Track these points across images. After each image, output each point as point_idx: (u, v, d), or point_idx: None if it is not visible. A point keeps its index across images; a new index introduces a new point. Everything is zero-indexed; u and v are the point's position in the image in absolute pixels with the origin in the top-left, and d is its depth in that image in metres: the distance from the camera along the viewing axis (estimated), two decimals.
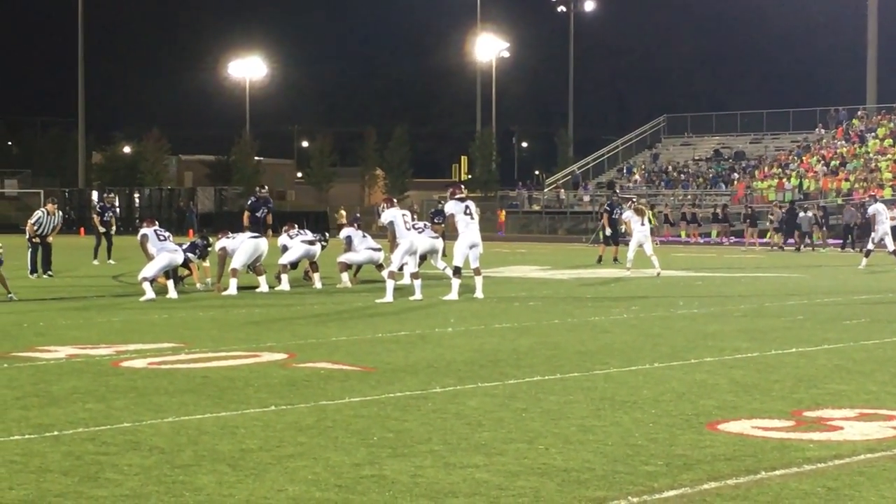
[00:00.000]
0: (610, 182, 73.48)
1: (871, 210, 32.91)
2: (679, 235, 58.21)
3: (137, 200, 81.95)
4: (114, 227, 34.96)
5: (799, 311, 17.80)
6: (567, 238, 63.29)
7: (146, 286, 19.94)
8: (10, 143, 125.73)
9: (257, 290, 21.70)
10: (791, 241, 48.78)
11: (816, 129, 72.72)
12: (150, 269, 20.29)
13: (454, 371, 11.10)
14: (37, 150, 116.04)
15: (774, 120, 77.61)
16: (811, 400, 9.47)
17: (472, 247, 20.42)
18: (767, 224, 52.17)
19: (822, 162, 66.63)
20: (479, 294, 20.23)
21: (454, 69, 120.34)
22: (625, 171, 76.95)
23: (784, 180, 65.34)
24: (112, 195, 39.21)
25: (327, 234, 26.16)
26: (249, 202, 26.96)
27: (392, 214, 20.89)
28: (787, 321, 16.13)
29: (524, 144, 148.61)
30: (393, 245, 20.89)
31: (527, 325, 15.65)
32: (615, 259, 33.19)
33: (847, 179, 62.81)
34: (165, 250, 20.57)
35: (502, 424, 8.41)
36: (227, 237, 22.24)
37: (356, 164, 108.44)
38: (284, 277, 22.58)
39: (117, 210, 36.44)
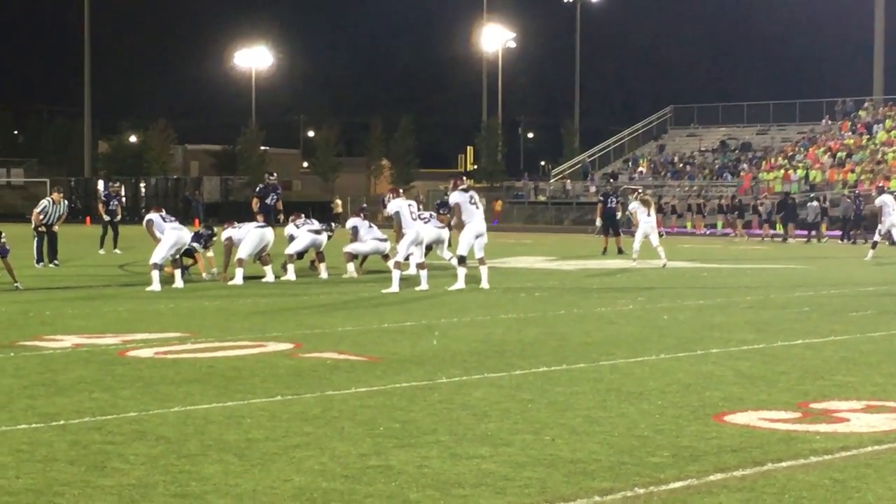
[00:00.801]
0: (612, 173, 73.41)
1: (877, 202, 32.82)
2: (685, 227, 58.21)
3: (143, 190, 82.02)
4: (119, 216, 34.88)
5: (805, 302, 17.77)
6: (573, 229, 63.25)
7: (154, 274, 19.93)
8: (16, 132, 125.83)
9: (263, 279, 21.71)
10: (786, 233, 48.71)
11: (823, 121, 72.60)
12: (159, 252, 20.28)
13: (460, 361, 11.09)
14: (43, 139, 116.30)
15: (781, 111, 77.50)
16: (818, 392, 9.46)
17: (477, 236, 20.42)
18: (757, 215, 52.35)
19: (829, 153, 66.53)
20: (484, 284, 20.22)
21: (460, 60, 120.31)
22: (631, 162, 76.87)
23: (790, 172, 65.25)
24: (118, 184, 39.10)
25: (333, 224, 26.15)
26: (258, 189, 26.99)
27: (397, 205, 20.91)
28: (793, 313, 16.10)
29: (530, 135, 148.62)
30: (398, 235, 20.91)
31: (533, 316, 15.64)
32: (620, 250, 33.12)
33: (853, 171, 62.72)
34: (171, 229, 20.55)
35: (508, 415, 8.41)
36: (234, 227, 22.23)
37: (362, 154, 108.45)
38: (290, 267, 22.57)
39: (123, 199, 36.26)
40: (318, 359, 11.29)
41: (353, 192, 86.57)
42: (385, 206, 22.98)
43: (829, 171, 63.75)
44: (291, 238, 23.27)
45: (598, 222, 35.50)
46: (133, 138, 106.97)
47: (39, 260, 26.79)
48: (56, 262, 27.02)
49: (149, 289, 19.70)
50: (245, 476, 6.60)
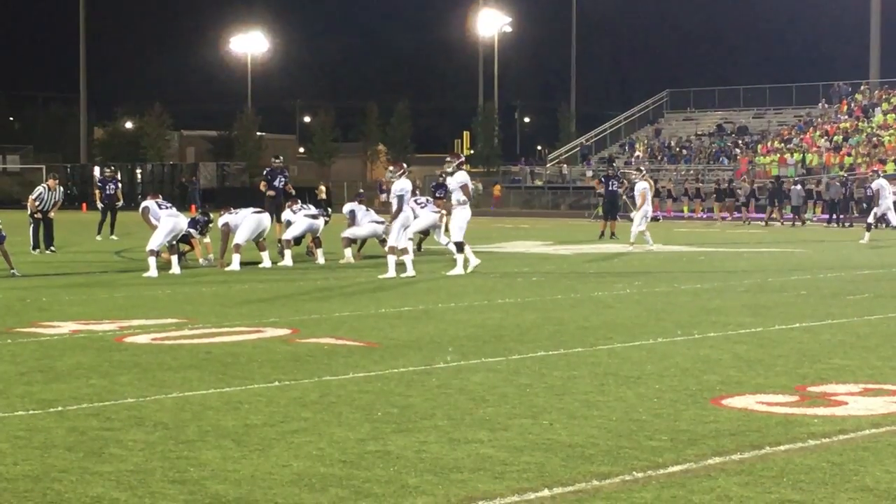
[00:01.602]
0: (610, 157, 73.42)
1: (874, 185, 32.87)
2: (682, 211, 58.23)
3: (139, 176, 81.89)
4: (120, 202, 34.72)
5: (802, 286, 17.78)
6: (569, 213, 63.26)
7: (151, 261, 19.92)
8: (11, 118, 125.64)
9: (260, 265, 21.69)
10: (771, 216, 48.82)
11: (819, 104, 72.57)
12: (155, 239, 20.25)
13: (458, 346, 11.09)
14: (38, 125, 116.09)
15: (777, 94, 77.44)
16: (815, 375, 9.47)
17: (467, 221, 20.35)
18: (734, 199, 52.79)
19: (825, 137, 66.52)
20: (474, 261, 20.13)
21: (456, 44, 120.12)
22: (627, 146, 76.83)
23: (786, 155, 65.24)
24: (112, 169, 38.99)
25: (329, 210, 26.13)
26: (266, 172, 27.12)
27: (403, 186, 20.31)
28: (790, 296, 16.11)
29: (526, 119, 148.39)
30: (395, 216, 20.53)
31: (530, 301, 15.64)
32: (613, 234, 33.09)
33: (850, 154, 62.71)
34: (167, 216, 20.54)
35: (506, 400, 8.41)
36: (230, 213, 22.20)
37: (358, 139, 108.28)
38: (288, 253, 22.54)
39: (119, 184, 36.13)
40: (315, 344, 11.29)
41: (349, 178, 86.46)
42: (382, 191, 22.88)
43: (825, 155, 63.73)
44: (288, 224, 23.25)
45: (600, 192, 35.61)
46: (129, 124, 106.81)
47: (35, 246, 26.76)
48: (52, 248, 26.99)
49: (146, 275, 19.69)
50: (243, 462, 6.60)
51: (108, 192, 34.50)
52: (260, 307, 14.97)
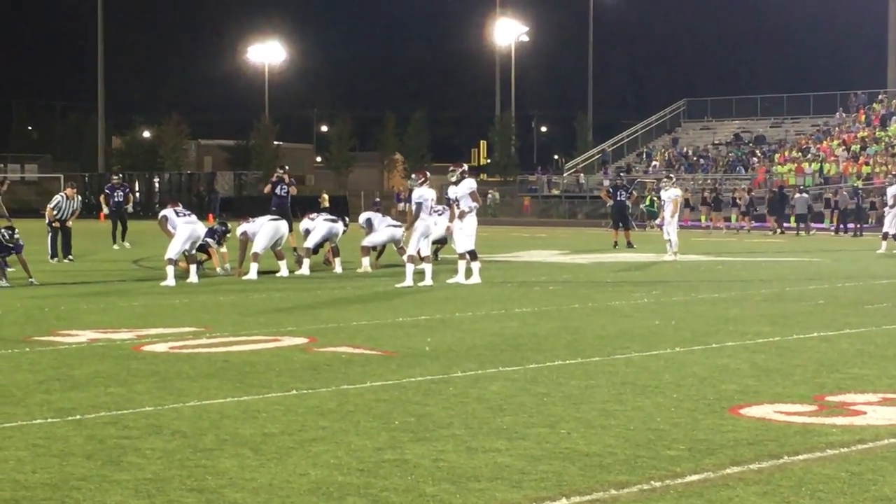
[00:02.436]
0: (626, 167, 73.29)
1: (889, 191, 32.67)
2: (699, 220, 58.11)
3: (157, 185, 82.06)
4: (130, 208, 34.68)
5: (820, 295, 17.73)
6: (586, 222, 63.17)
7: (169, 269, 19.98)
8: (30, 127, 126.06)
9: (277, 274, 21.72)
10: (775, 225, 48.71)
11: (837, 113, 72.37)
12: (174, 247, 20.31)
13: (475, 355, 11.09)
14: (57, 134, 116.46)
15: (795, 104, 77.23)
16: (834, 384, 9.44)
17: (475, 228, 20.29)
18: (736, 207, 52.79)
19: (843, 146, 66.34)
20: (460, 278, 20.04)
21: (473, 53, 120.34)
22: (644, 155, 76.74)
23: (804, 164, 65.08)
24: (121, 177, 39.14)
25: (346, 219, 26.16)
26: (271, 180, 27.50)
27: (423, 194, 20.30)
28: (808, 305, 16.07)
29: (543, 129, 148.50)
30: (412, 223, 20.43)
31: (547, 310, 15.63)
32: (629, 244, 32.98)
33: (867, 163, 62.52)
34: (184, 223, 20.59)
35: (524, 409, 8.41)
36: (248, 222, 22.23)
37: (375, 148, 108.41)
38: (306, 262, 22.58)
39: (128, 191, 36.23)
40: (333, 353, 11.30)
41: (366, 187, 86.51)
42: (399, 200, 22.91)
43: (843, 164, 63.56)
44: (307, 233, 23.30)
45: (609, 204, 35.71)
46: (146, 133, 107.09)
47: (53, 255, 26.85)
48: (70, 257, 27.08)
49: (163, 284, 19.74)
50: (261, 470, 6.61)
51: (116, 199, 34.55)
52: (277, 316, 14.99)
